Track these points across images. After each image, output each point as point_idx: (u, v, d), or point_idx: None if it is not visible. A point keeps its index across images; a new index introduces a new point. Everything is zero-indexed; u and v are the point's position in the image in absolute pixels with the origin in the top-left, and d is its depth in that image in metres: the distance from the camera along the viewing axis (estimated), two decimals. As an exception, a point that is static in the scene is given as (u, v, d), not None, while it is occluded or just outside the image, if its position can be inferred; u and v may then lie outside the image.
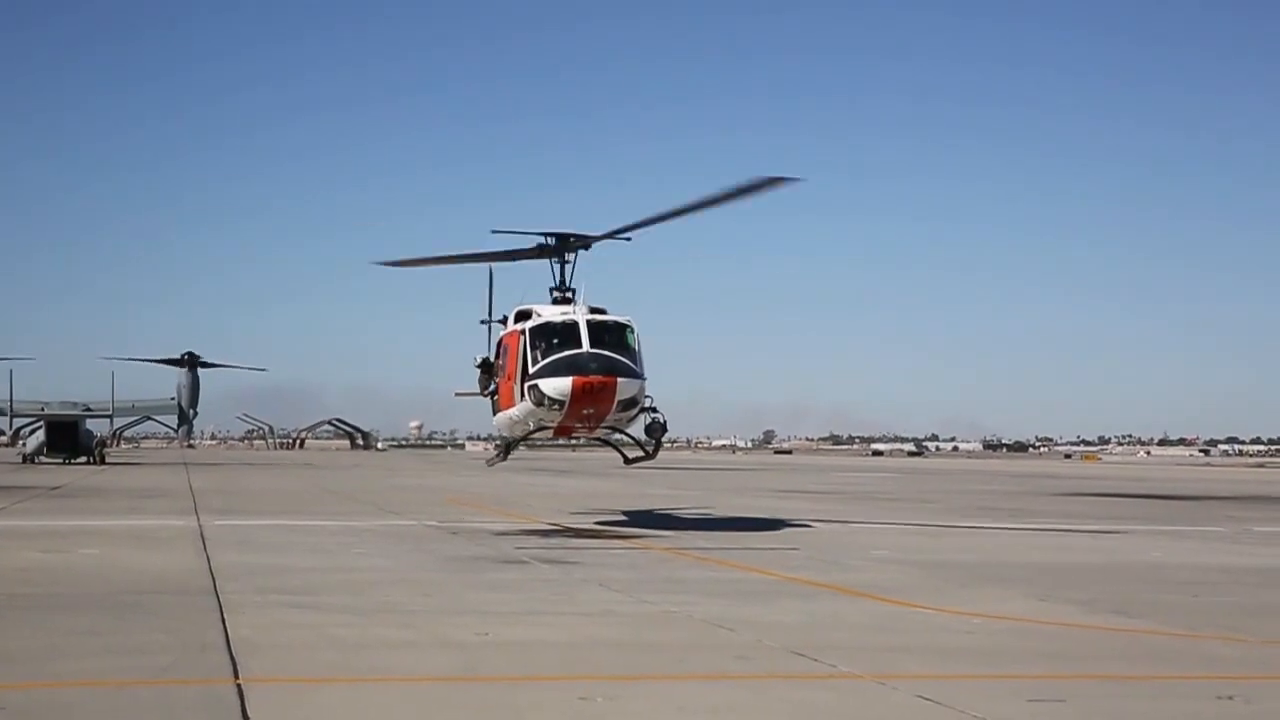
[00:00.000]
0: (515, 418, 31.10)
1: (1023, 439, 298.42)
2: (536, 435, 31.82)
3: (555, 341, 29.97)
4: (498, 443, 33.41)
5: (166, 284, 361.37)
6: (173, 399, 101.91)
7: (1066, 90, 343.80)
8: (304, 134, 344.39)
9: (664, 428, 31.72)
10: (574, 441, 35.37)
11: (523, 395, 30.09)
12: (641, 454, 33.02)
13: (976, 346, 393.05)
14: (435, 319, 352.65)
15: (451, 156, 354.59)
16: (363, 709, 11.19)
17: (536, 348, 30.05)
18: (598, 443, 33.73)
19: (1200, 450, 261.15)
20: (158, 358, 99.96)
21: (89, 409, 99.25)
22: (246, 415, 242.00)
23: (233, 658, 13.09)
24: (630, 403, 30.09)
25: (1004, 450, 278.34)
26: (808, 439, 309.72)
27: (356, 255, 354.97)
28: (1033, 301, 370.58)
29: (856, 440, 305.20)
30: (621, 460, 35.00)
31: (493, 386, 33.27)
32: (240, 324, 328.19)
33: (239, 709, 10.91)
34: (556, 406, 29.47)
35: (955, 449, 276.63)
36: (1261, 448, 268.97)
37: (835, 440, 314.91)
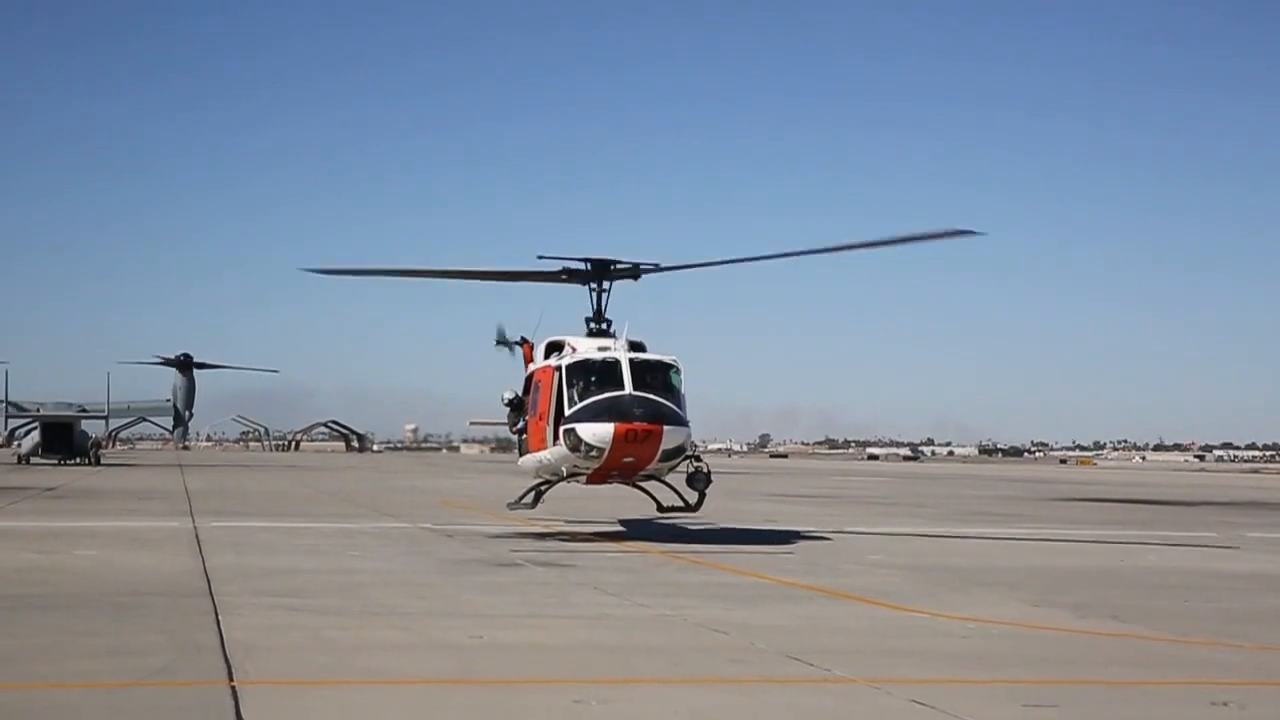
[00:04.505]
0: (546, 462, 28.73)
1: (1018, 444, 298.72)
2: (568, 480, 29.03)
3: (594, 381, 27.61)
4: (539, 482, 29.75)
5: (162, 285, 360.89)
6: (168, 400, 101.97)
7: (1061, 91, 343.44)
8: (300, 135, 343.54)
9: (708, 479, 29.29)
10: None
11: (556, 439, 27.78)
12: (681, 504, 30.10)
13: (968, 350, 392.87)
14: (431, 322, 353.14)
15: (457, 160, 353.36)
16: (357, 712, 11.20)
17: (573, 387, 27.69)
18: (632, 486, 30.42)
19: (1195, 455, 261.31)
20: (154, 359, 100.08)
21: (84, 410, 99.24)
22: (242, 417, 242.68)
23: (227, 660, 13.10)
24: (674, 452, 27.80)
25: (999, 455, 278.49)
26: (803, 443, 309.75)
27: (353, 258, 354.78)
28: (1027, 305, 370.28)
29: (852, 444, 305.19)
30: (658, 509, 30.97)
31: (521, 424, 30.67)
32: (236, 326, 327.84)
33: (233, 711, 10.92)
34: (594, 454, 27.13)
35: (951, 453, 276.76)
36: (1256, 453, 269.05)
37: (830, 444, 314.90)
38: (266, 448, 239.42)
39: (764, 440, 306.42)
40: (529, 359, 31.57)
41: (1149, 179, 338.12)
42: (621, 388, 27.35)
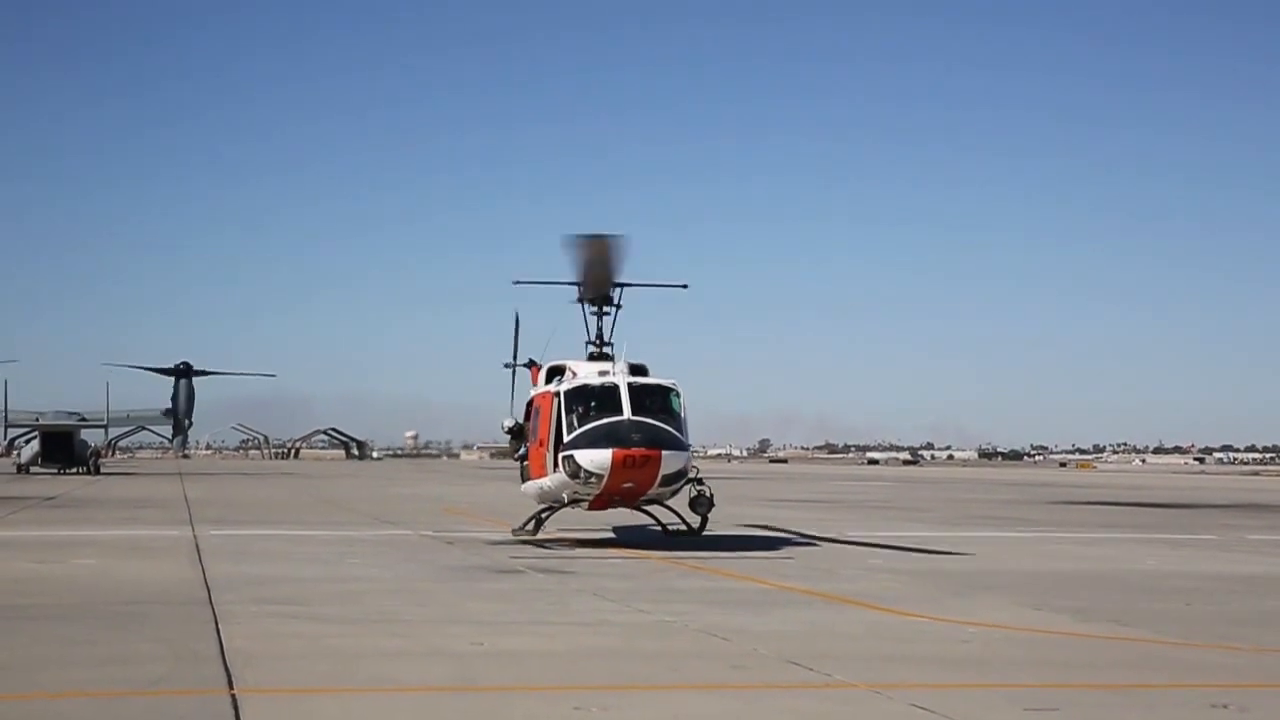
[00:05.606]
0: (547, 488, 28.54)
1: (1018, 447, 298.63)
2: (570, 506, 28.63)
3: (593, 406, 27.38)
4: (543, 509, 29.42)
5: (161, 293, 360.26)
6: (167, 409, 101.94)
7: (1061, 92, 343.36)
8: (299, 141, 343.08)
9: (710, 502, 28.91)
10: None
11: (556, 465, 27.51)
12: (685, 529, 29.89)
13: (967, 353, 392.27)
14: (431, 329, 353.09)
15: (458, 165, 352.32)
16: (358, 719, 11.19)
17: (572, 412, 27.40)
18: (635, 510, 29.96)
19: (1195, 458, 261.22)
20: (153, 367, 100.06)
21: (84, 419, 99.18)
22: (241, 425, 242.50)
23: (227, 668, 13.09)
24: (675, 477, 27.48)
25: (999, 458, 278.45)
26: (802, 448, 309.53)
27: (352, 264, 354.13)
28: (1026, 308, 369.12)
29: (852, 449, 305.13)
30: (662, 531, 30.59)
31: (523, 450, 30.57)
32: (235, 333, 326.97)
33: (233, 719, 10.92)
34: (594, 480, 26.81)
35: (950, 457, 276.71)
36: (1256, 455, 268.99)
37: (830, 449, 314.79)
38: (266, 455, 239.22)
39: (763, 445, 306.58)
40: (535, 381, 31.34)
41: (1148, 180, 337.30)
42: (620, 413, 27.08)
